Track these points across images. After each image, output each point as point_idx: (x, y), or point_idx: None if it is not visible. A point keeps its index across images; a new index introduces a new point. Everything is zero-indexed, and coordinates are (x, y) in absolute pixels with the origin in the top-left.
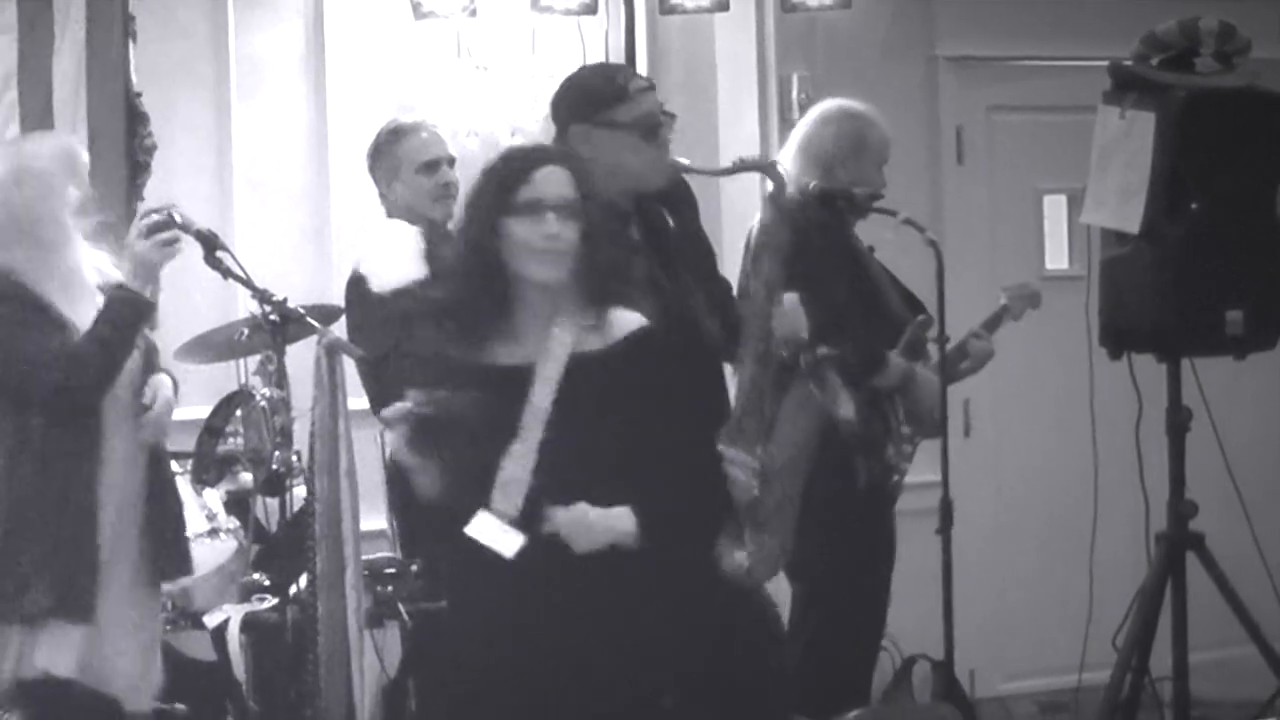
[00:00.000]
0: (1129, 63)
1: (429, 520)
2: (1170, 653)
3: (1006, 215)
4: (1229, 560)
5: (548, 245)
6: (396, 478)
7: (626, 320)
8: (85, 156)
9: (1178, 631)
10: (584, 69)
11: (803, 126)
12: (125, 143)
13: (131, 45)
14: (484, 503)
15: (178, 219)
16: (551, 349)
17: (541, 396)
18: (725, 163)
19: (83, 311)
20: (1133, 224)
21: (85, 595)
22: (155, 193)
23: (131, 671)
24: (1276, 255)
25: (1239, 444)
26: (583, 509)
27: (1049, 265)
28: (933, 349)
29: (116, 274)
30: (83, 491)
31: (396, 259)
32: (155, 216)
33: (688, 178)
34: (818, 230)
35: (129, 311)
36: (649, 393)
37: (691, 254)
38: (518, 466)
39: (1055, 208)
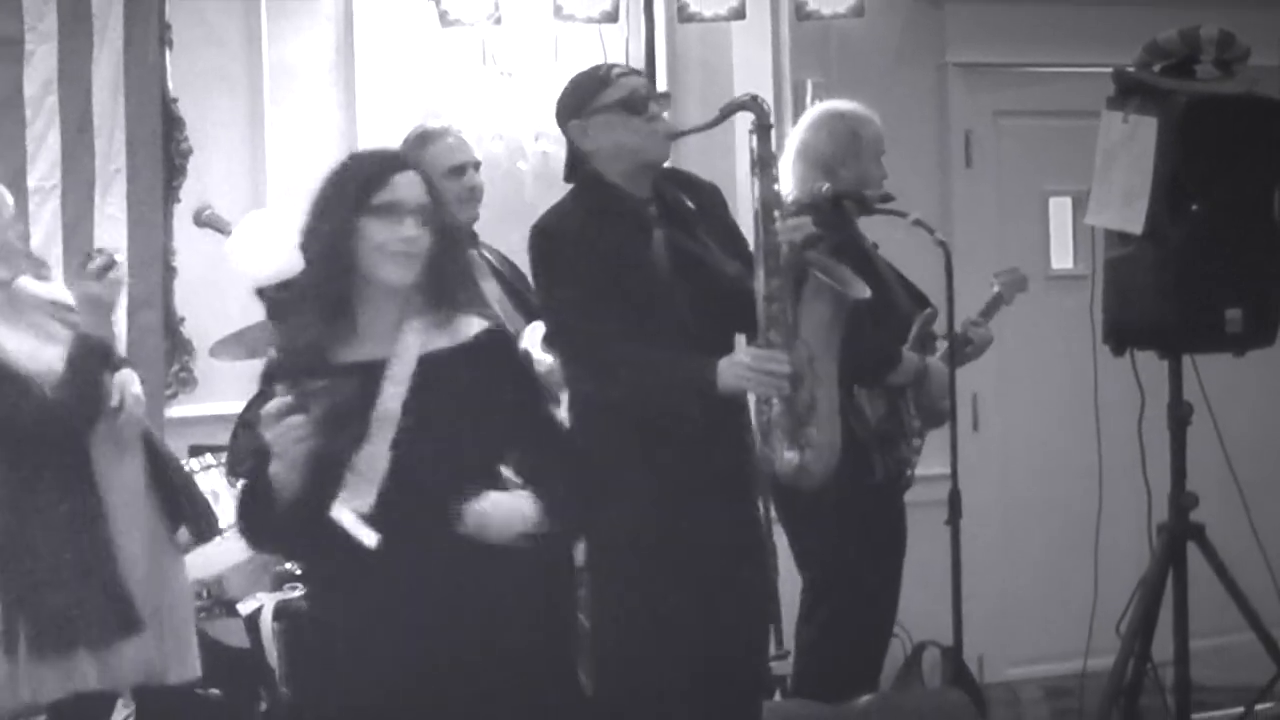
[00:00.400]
0: (1132, 69)
1: (290, 516)
2: (1172, 639)
3: (1013, 217)
4: (1228, 550)
5: (403, 248)
6: None
7: (473, 322)
8: (10, 199)
9: (1179, 619)
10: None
11: (797, 135)
12: (162, 147)
13: (168, 53)
14: (334, 497)
15: (219, 222)
16: (400, 350)
17: (392, 396)
18: (744, 173)
19: (28, 348)
20: (1135, 225)
21: (130, 609)
22: (190, 195)
23: (173, 647)
24: (1274, 256)
25: (1238, 438)
26: (490, 500)
27: (1054, 265)
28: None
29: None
30: (91, 518)
31: (273, 249)
32: (97, 259)
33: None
34: (829, 232)
35: (92, 359)
36: (499, 387)
37: (720, 234)
38: (370, 465)
39: (1060, 209)
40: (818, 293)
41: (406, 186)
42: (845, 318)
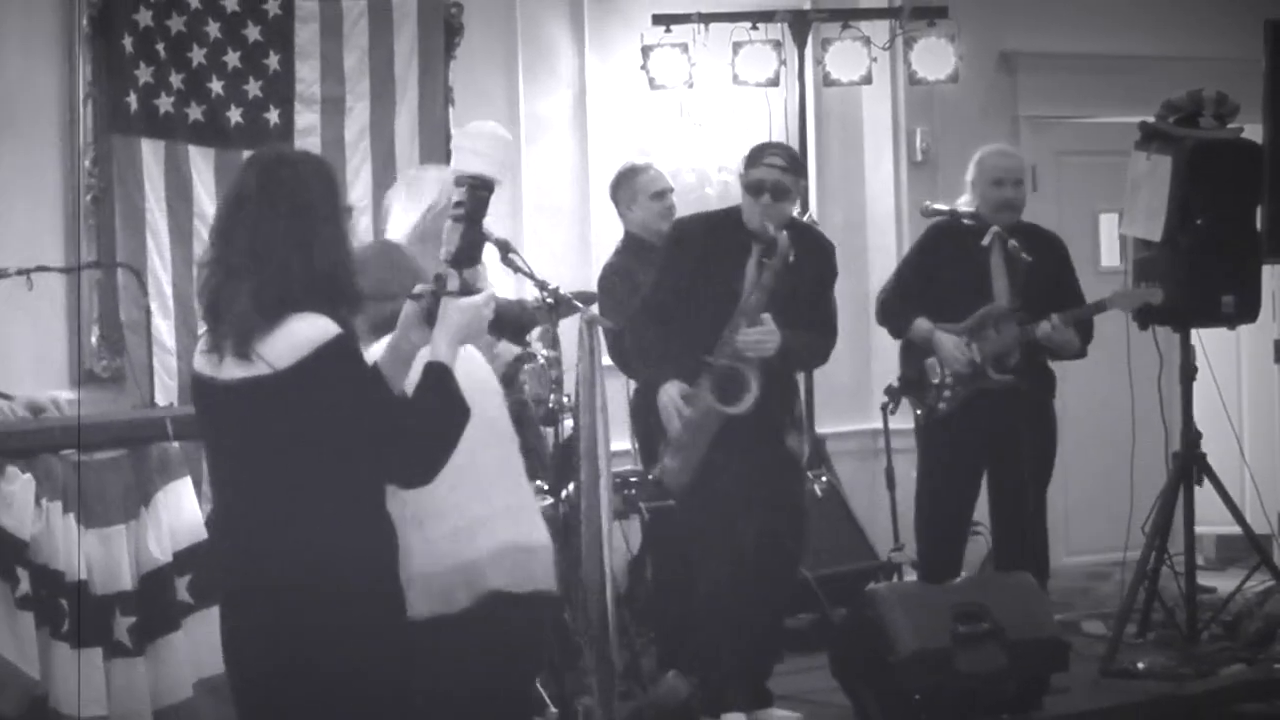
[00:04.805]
0: (1153, 121)
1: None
2: (1182, 536)
3: (1070, 228)
4: (1223, 471)
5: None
6: (638, 412)
7: None
8: None
9: (1187, 521)
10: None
11: None
12: None
13: (450, 108)
14: None
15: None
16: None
17: None
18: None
19: None
20: (1155, 234)
21: None
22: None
23: None
24: (1256, 256)
25: (1230, 389)
26: None
27: (1104, 263)
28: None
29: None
30: None
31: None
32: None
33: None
34: (938, 233)
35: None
36: None
37: None
38: None
39: (1109, 223)
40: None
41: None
42: (718, 418)
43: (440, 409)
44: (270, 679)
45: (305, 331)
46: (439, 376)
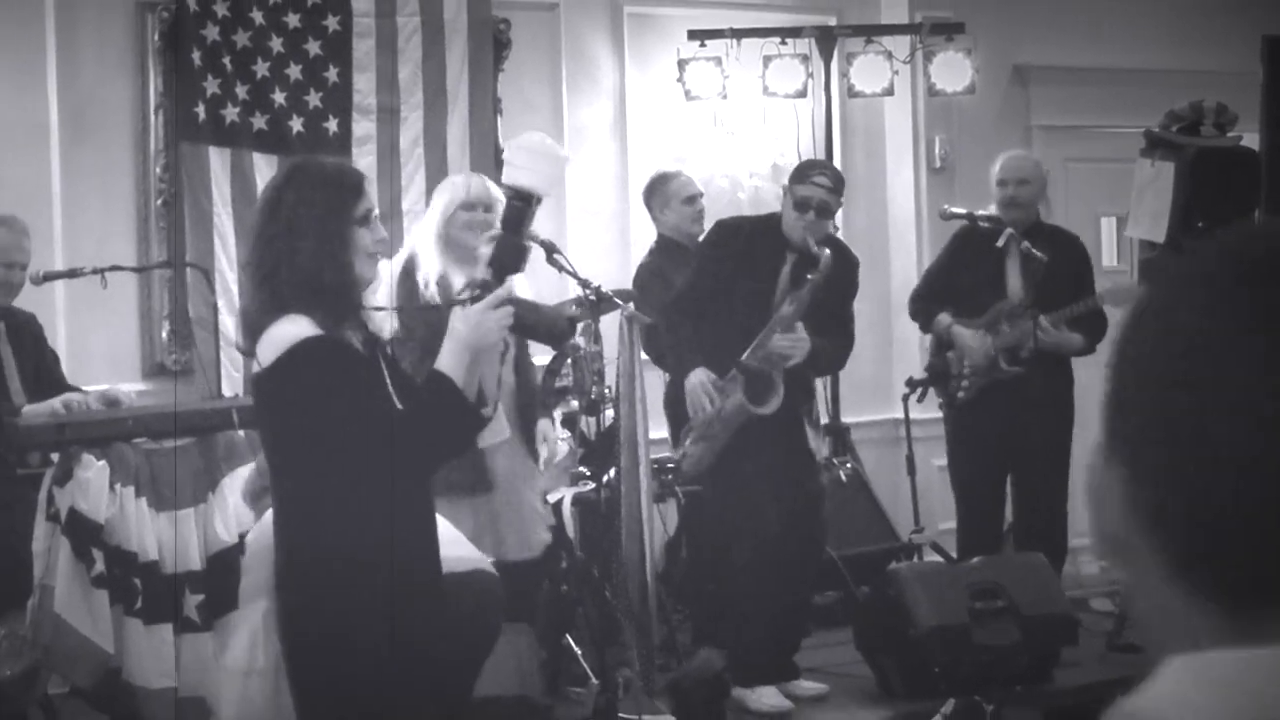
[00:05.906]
0: (1157, 130)
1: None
2: None
3: (1077, 230)
4: None
5: (378, 249)
6: (673, 402)
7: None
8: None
9: None
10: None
11: None
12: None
13: (499, 117)
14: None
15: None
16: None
17: None
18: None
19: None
20: (1159, 236)
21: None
22: None
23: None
24: None
25: None
26: None
27: (1104, 263)
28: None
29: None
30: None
31: (539, 168)
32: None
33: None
34: (963, 237)
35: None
36: None
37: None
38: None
39: (1109, 225)
40: (735, 393)
41: (372, 193)
42: (745, 415)
43: (429, 416)
44: (317, 652)
45: (282, 332)
46: (432, 384)
